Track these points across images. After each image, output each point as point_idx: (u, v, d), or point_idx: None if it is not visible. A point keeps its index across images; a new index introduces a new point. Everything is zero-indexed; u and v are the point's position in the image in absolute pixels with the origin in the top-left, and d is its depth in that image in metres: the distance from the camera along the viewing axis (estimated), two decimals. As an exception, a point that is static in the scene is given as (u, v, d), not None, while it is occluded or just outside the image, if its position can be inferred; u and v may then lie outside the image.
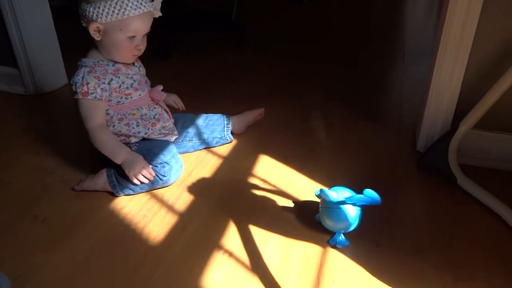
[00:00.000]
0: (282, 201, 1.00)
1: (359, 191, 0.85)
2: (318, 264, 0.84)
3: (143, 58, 1.06)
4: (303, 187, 1.05)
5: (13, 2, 1.37)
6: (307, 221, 0.94)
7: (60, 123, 1.34)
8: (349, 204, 0.85)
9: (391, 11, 2.60)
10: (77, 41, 0.98)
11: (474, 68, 1.05)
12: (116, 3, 0.90)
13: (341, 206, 0.85)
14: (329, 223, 0.87)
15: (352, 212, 0.85)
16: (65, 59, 1.55)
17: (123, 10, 0.91)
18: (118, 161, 0.97)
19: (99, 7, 0.91)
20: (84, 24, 0.95)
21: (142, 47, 0.99)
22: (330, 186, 1.04)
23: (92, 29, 0.94)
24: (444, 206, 1.00)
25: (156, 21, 1.00)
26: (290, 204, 0.99)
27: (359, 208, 0.86)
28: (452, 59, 1.05)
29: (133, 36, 0.95)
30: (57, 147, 1.19)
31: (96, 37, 0.95)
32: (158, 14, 0.98)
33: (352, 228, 0.86)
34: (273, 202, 1.00)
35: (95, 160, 1.05)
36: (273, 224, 0.93)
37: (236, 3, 2.35)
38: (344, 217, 0.85)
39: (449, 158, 1.06)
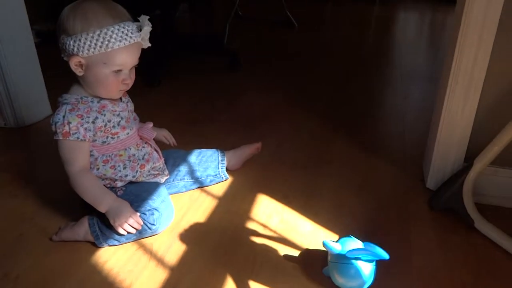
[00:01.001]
0: (284, 250, 0.90)
1: (367, 237, 0.76)
2: (329, 329, 0.74)
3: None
4: (307, 233, 0.95)
5: (-8, 28, 1.28)
6: (314, 274, 0.84)
7: (41, 159, 1.24)
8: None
9: (382, 36, 2.58)
10: (63, 68, 0.89)
11: (489, 98, 0.99)
12: (98, 35, 0.81)
13: (353, 261, 0.75)
14: (339, 280, 0.78)
15: (366, 268, 0.75)
16: (49, 89, 1.46)
17: (106, 42, 0.82)
18: (102, 209, 0.87)
19: (80, 40, 0.82)
20: (65, 58, 0.86)
21: (130, 81, 0.90)
22: (336, 230, 0.96)
23: (73, 63, 0.85)
24: (462, 253, 0.91)
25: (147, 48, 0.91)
26: (294, 253, 0.90)
27: (374, 262, 0.77)
28: (463, 91, 0.98)
29: (119, 70, 0.87)
30: (37, 188, 1.08)
31: (78, 72, 0.86)
32: (147, 44, 0.89)
33: (366, 286, 0.77)
34: (274, 251, 0.90)
35: (76, 206, 0.95)
36: (277, 279, 0.83)
37: (228, 28, 2.30)
38: (355, 274, 0.75)
39: (464, 198, 0.98)
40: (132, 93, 0.97)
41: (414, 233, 0.96)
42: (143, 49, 0.90)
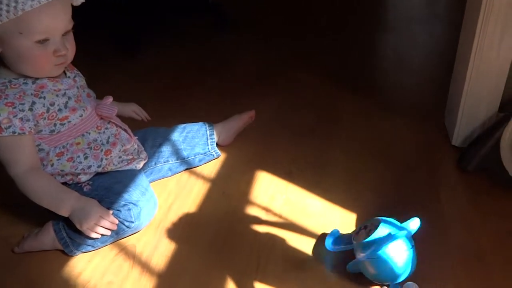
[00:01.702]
0: (293, 239, 0.75)
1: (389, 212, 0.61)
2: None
3: (100, 54, 0.77)
4: (318, 214, 0.80)
5: None
6: (331, 266, 0.70)
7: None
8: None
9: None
10: None
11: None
12: None
13: (381, 252, 0.60)
14: (372, 272, 0.63)
15: (400, 257, 0.61)
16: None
17: (13, 4, 0.61)
18: (63, 213, 0.71)
19: None
20: None
21: (67, 51, 0.69)
22: (352, 209, 0.80)
23: None
24: (502, 219, 0.76)
25: (121, 9, 0.70)
26: (304, 240, 0.75)
27: (409, 246, 0.62)
28: (500, 21, 0.80)
29: (46, 39, 0.67)
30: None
31: None
32: (79, 0, 0.69)
33: (406, 275, 0.62)
34: (281, 241, 0.75)
35: (41, 208, 0.78)
36: (287, 275, 0.69)
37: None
38: (389, 267, 0.60)
39: (502, 155, 0.82)
40: (105, 63, 0.79)
41: (444, 201, 0.81)
42: (118, 11, 0.69)
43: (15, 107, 0.67)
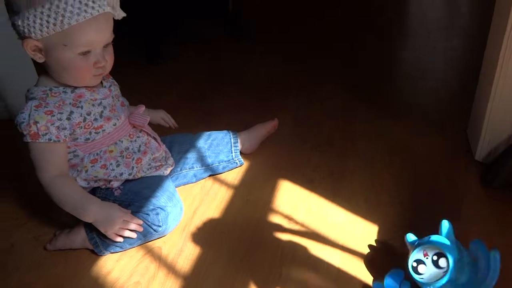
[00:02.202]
0: (316, 248, 0.76)
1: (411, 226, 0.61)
2: None
3: (125, 62, 0.80)
4: (341, 224, 0.81)
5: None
6: (354, 277, 0.71)
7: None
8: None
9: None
10: None
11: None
12: (49, 9, 0.64)
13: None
14: None
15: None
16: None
17: (60, 18, 0.64)
18: (87, 219, 0.74)
19: (27, 18, 0.64)
20: (21, 40, 0.70)
21: (106, 63, 0.72)
22: (374, 220, 0.81)
23: (29, 48, 0.68)
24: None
25: (145, 18, 0.73)
26: (327, 251, 0.76)
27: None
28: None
29: (87, 52, 0.69)
30: (26, 190, 0.95)
31: (38, 58, 0.70)
32: (120, 14, 0.71)
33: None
34: (304, 250, 0.76)
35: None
36: (309, 284, 0.70)
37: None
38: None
39: (528, 171, 0.82)
40: (128, 72, 0.82)
41: (467, 216, 0.81)
42: (141, 20, 0.72)
43: (53, 115, 0.71)
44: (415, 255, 0.63)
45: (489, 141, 0.92)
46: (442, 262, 0.62)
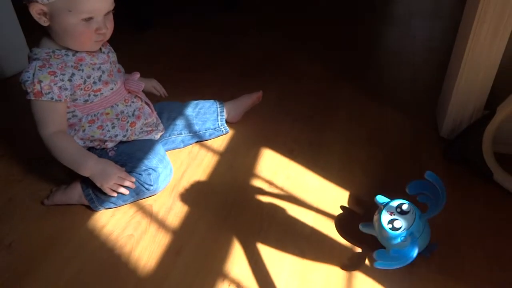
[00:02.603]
0: (293, 210, 0.85)
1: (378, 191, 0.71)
2: (343, 293, 0.70)
3: (115, 30, 0.84)
4: (316, 190, 0.90)
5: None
6: (325, 234, 0.80)
7: (26, 115, 1.13)
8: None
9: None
10: None
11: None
12: None
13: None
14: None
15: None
16: (27, 35, 1.33)
17: None
18: (84, 173, 0.80)
19: None
20: (26, 3, 0.73)
21: (106, 31, 0.77)
22: (346, 187, 0.90)
23: (34, 12, 0.72)
24: (480, 208, 0.86)
25: None
26: (302, 212, 0.85)
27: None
28: (492, 25, 0.87)
29: (90, 18, 0.74)
30: (23, 147, 1.00)
31: (43, 22, 0.74)
32: None
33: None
34: (282, 211, 0.85)
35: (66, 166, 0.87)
36: (285, 240, 0.79)
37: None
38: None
39: (483, 149, 0.92)
40: (117, 39, 0.86)
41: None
42: None
43: (56, 76, 0.75)
44: (383, 218, 0.72)
45: (453, 120, 1.01)
46: (405, 207, 0.72)
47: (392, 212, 0.73)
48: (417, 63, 1.38)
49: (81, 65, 0.78)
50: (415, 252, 0.68)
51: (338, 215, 0.84)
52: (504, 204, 0.86)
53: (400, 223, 0.71)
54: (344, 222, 0.83)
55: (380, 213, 0.73)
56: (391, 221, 0.71)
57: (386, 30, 1.64)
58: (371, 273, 0.73)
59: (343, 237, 0.79)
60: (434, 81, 1.18)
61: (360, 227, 0.77)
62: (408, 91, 1.23)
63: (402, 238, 0.70)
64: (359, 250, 0.77)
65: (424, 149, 1.01)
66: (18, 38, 1.33)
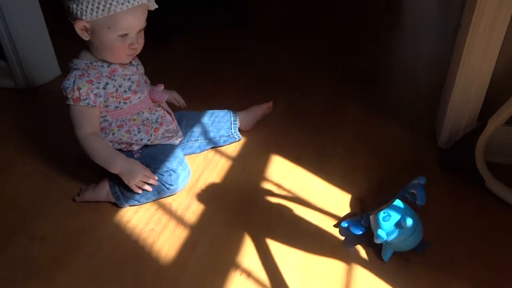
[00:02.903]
0: (299, 209, 0.93)
1: (379, 196, 0.78)
2: (343, 283, 0.78)
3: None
4: (320, 192, 0.98)
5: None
6: (327, 232, 0.88)
7: (56, 121, 1.23)
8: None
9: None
10: (69, 28, 0.87)
11: (508, 55, 0.97)
12: None
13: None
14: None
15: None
16: (57, 49, 1.44)
17: (108, 5, 0.79)
18: (114, 170, 0.89)
19: (82, 3, 0.79)
20: (71, 21, 0.85)
21: (138, 46, 0.87)
22: (348, 190, 0.98)
23: (78, 28, 0.83)
24: (473, 212, 0.93)
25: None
26: (307, 212, 0.93)
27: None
28: (483, 44, 0.96)
29: (125, 34, 0.84)
30: (55, 149, 1.10)
31: (85, 36, 0.85)
32: (154, 6, 0.86)
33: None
34: (289, 210, 0.93)
35: (97, 167, 0.97)
36: (292, 236, 0.87)
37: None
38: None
39: (476, 158, 0.99)
40: (140, 53, 0.96)
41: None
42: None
43: (93, 84, 0.86)
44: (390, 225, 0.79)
45: (450, 131, 1.09)
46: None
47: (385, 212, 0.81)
48: (420, 79, 1.47)
49: (114, 75, 0.88)
50: (409, 221, 0.77)
51: (340, 215, 0.92)
52: (494, 208, 0.94)
53: (390, 217, 0.80)
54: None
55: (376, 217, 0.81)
56: (396, 224, 0.79)
57: (392, 48, 1.73)
58: (368, 266, 0.81)
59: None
60: (435, 96, 1.26)
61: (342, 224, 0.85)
62: (411, 105, 1.32)
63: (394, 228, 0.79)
64: (359, 246, 0.85)
65: (423, 157, 1.09)
66: (48, 51, 1.44)
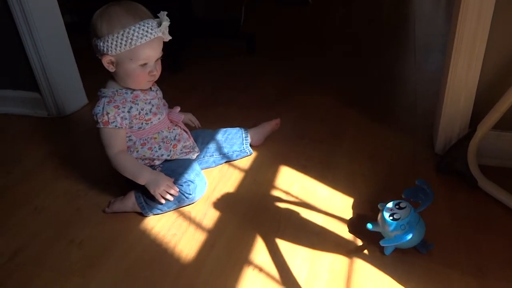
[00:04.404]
0: (305, 213, 1.03)
1: (379, 200, 0.87)
2: (346, 275, 0.86)
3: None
4: (325, 198, 1.07)
5: (31, 28, 1.41)
6: (331, 232, 0.97)
7: (85, 145, 1.39)
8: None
9: (398, 8, 2.60)
10: (92, 57, 1.01)
11: (490, 67, 1.06)
12: (122, 34, 0.92)
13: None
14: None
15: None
16: (83, 78, 1.59)
17: (129, 40, 0.93)
18: (141, 181, 1.01)
19: (107, 41, 0.93)
20: (99, 57, 0.99)
21: (156, 73, 1.01)
22: (350, 195, 1.07)
23: (105, 62, 0.97)
24: (466, 210, 1.01)
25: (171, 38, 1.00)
26: (313, 215, 1.02)
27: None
28: (466, 61, 1.06)
29: (145, 64, 0.98)
30: (85, 170, 1.23)
31: (110, 69, 0.98)
32: (168, 37, 0.99)
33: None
34: (296, 214, 1.03)
35: (122, 182, 1.09)
36: (299, 236, 0.96)
37: (244, 11, 2.38)
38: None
39: (469, 161, 1.07)
40: (158, 80, 1.09)
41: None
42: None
43: (119, 109, 0.99)
44: (386, 214, 0.88)
45: (444, 138, 1.18)
46: (402, 204, 0.89)
47: (392, 209, 0.89)
48: (419, 91, 1.56)
49: (137, 100, 1.02)
50: (409, 236, 0.84)
51: (343, 217, 1.01)
52: (486, 206, 1.01)
53: (399, 214, 0.87)
54: (348, 222, 0.99)
55: (382, 211, 0.89)
56: (391, 215, 0.88)
57: (393, 62, 1.83)
58: (369, 259, 0.89)
59: (347, 234, 0.96)
60: (432, 107, 1.36)
61: (368, 226, 0.92)
62: (410, 116, 1.41)
63: (402, 226, 0.86)
64: (360, 243, 0.93)
65: (420, 163, 1.18)
66: (76, 82, 1.60)
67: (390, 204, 0.90)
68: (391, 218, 0.87)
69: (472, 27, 1.02)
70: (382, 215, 0.89)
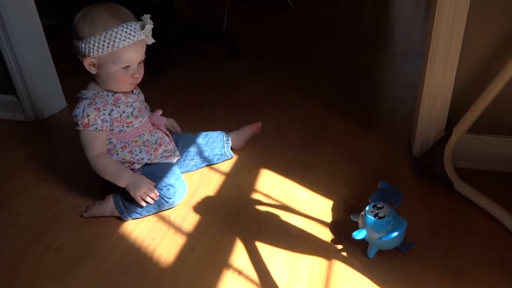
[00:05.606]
0: (285, 216, 1.03)
1: (359, 202, 0.88)
2: (325, 277, 0.87)
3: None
4: (305, 201, 1.08)
5: (7, 29, 1.39)
6: (311, 234, 0.97)
7: (63, 148, 1.36)
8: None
9: (378, 14, 2.65)
10: (71, 60, 1.00)
11: (465, 72, 1.09)
12: (105, 36, 0.92)
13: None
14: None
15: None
16: (62, 81, 1.57)
17: (112, 42, 0.92)
18: (122, 184, 1.00)
19: (89, 42, 0.93)
20: (80, 59, 0.98)
21: (139, 75, 1.00)
22: (330, 197, 1.08)
23: (87, 64, 0.96)
24: (442, 211, 1.03)
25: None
26: (293, 218, 1.03)
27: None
28: (442, 62, 1.08)
29: (127, 66, 0.97)
30: (63, 173, 1.21)
31: (92, 71, 0.97)
32: (151, 40, 0.99)
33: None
34: (276, 217, 1.03)
35: (101, 186, 1.08)
36: (279, 239, 0.96)
37: (226, 13, 2.39)
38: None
39: (445, 163, 1.10)
40: (140, 83, 1.09)
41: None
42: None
43: (100, 111, 0.98)
44: (368, 216, 0.88)
45: (421, 141, 1.20)
46: (379, 205, 0.91)
47: (373, 211, 0.90)
48: (397, 96, 1.59)
49: (118, 103, 1.01)
50: (402, 230, 0.86)
51: (322, 220, 1.02)
52: (461, 207, 1.03)
53: (383, 213, 0.88)
54: (328, 225, 1.00)
55: (365, 216, 0.90)
56: (376, 215, 0.89)
57: (373, 66, 1.86)
58: (348, 261, 0.90)
59: (326, 236, 0.97)
60: (411, 111, 1.38)
61: (355, 235, 0.89)
62: (389, 120, 1.43)
63: (390, 222, 0.87)
64: (339, 246, 0.94)
65: (398, 166, 1.20)
66: (54, 83, 1.57)
67: (368, 208, 0.91)
68: (377, 218, 0.88)
69: (447, 33, 1.05)
70: (366, 219, 0.89)
